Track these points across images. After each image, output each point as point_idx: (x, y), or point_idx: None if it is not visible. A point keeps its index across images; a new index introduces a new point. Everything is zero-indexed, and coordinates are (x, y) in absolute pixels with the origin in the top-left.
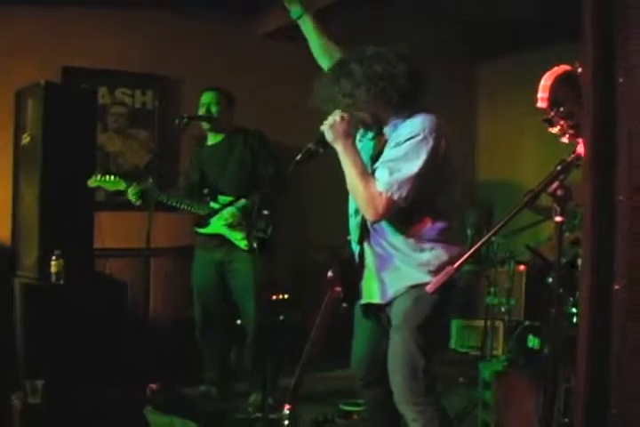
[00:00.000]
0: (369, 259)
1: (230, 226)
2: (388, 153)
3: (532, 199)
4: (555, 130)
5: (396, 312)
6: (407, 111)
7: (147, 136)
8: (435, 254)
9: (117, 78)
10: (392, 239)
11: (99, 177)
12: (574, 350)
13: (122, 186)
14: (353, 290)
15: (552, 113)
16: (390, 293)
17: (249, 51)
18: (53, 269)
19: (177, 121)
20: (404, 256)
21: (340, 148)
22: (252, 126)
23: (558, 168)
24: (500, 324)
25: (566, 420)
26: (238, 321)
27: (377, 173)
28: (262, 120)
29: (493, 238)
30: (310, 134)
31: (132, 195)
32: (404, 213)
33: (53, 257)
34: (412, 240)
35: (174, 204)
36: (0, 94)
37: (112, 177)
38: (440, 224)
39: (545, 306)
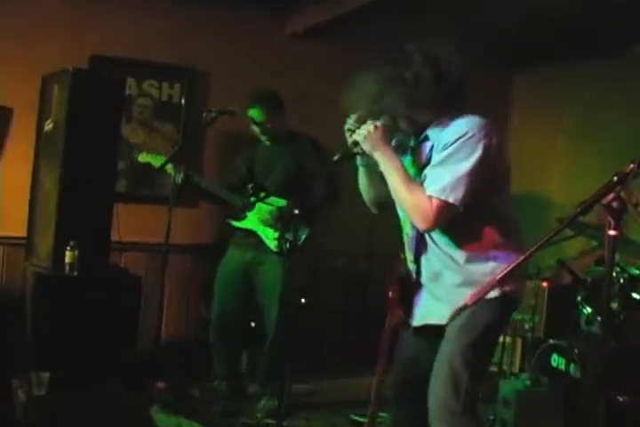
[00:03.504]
0: (427, 277)
1: (265, 223)
2: (437, 157)
3: (585, 210)
4: None
5: (450, 327)
6: (449, 114)
7: (171, 130)
8: (499, 263)
9: (145, 70)
10: (452, 252)
11: (148, 153)
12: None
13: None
14: (412, 310)
15: None
16: (451, 310)
17: (278, 48)
18: (67, 260)
19: (204, 114)
20: (466, 270)
21: (378, 156)
22: None
23: (615, 179)
24: (518, 340)
25: None
26: (252, 324)
27: (428, 178)
28: (290, 117)
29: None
30: (340, 133)
31: (174, 172)
32: (462, 220)
33: (68, 247)
34: (474, 250)
35: (214, 191)
36: (26, 79)
37: (158, 155)
38: (501, 227)
39: (571, 324)
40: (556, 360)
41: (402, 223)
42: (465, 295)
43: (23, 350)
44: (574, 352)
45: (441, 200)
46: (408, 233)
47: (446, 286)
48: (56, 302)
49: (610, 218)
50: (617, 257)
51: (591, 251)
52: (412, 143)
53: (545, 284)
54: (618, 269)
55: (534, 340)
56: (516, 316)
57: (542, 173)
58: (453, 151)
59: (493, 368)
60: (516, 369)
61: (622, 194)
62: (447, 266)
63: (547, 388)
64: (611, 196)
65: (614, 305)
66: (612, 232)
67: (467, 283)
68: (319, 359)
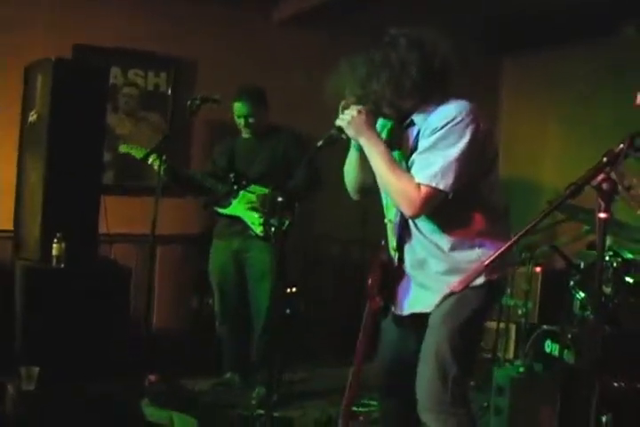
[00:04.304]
0: (411, 265)
1: (251, 208)
2: (424, 142)
3: (574, 192)
4: None
5: (435, 314)
6: (435, 99)
7: (158, 119)
8: (485, 250)
9: (130, 59)
10: (437, 240)
11: (128, 144)
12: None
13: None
14: (393, 298)
15: None
16: (437, 299)
17: (265, 36)
18: (55, 253)
19: (189, 102)
20: (451, 258)
21: (363, 141)
22: None
23: (604, 159)
24: (512, 326)
25: None
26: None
27: (416, 164)
28: (276, 106)
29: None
30: (326, 122)
31: (155, 164)
32: (449, 206)
33: (55, 240)
34: (459, 237)
35: (199, 178)
36: (9, 69)
37: (138, 146)
38: (488, 214)
39: (564, 310)
40: (550, 346)
41: (385, 209)
42: (451, 283)
43: (12, 344)
44: (568, 338)
45: (431, 187)
46: (391, 219)
47: (431, 273)
48: (45, 295)
49: (600, 200)
50: (610, 241)
51: (583, 235)
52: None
53: (538, 269)
54: (611, 252)
55: (528, 326)
56: (509, 302)
57: (534, 158)
58: (442, 136)
59: (487, 355)
60: (510, 356)
61: (613, 175)
62: (432, 254)
63: (541, 374)
64: (601, 177)
65: (607, 289)
66: (602, 215)
67: (452, 271)
68: (310, 348)
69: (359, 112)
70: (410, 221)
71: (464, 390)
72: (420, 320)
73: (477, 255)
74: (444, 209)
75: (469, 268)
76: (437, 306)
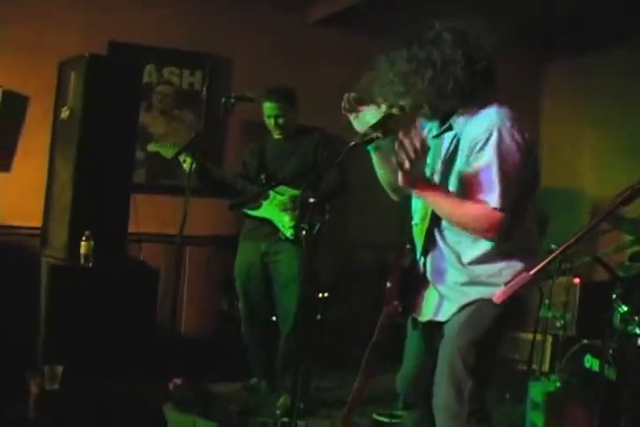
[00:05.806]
0: (432, 271)
1: (284, 209)
2: (476, 158)
3: (628, 198)
4: None
5: (451, 324)
6: (475, 103)
7: (192, 118)
8: (509, 264)
9: (166, 57)
10: (461, 251)
11: (157, 143)
12: None
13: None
14: (412, 303)
15: None
16: (454, 308)
17: (299, 35)
18: (82, 251)
19: (223, 100)
20: (470, 271)
21: (416, 194)
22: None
23: None
24: (549, 338)
25: None
26: (274, 318)
27: (477, 183)
28: (310, 106)
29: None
30: None
31: (186, 163)
32: None
33: (83, 238)
34: (483, 251)
35: (230, 179)
36: (43, 65)
37: (169, 144)
38: (518, 230)
39: (604, 323)
40: (590, 361)
41: (413, 213)
42: (469, 294)
43: (37, 343)
44: (609, 353)
45: (499, 210)
46: (417, 223)
47: (450, 283)
48: (70, 294)
49: None
50: None
51: (627, 246)
52: (433, 133)
53: (577, 280)
54: None
55: (566, 339)
56: (547, 313)
57: (574, 165)
58: (491, 154)
59: (522, 367)
60: (545, 368)
61: None
62: (452, 264)
63: (579, 390)
64: None
65: None
66: None
67: (471, 282)
68: (342, 355)
69: (411, 164)
70: (436, 229)
71: (482, 404)
72: (442, 328)
73: (499, 269)
74: None
75: (490, 281)
76: (454, 316)
